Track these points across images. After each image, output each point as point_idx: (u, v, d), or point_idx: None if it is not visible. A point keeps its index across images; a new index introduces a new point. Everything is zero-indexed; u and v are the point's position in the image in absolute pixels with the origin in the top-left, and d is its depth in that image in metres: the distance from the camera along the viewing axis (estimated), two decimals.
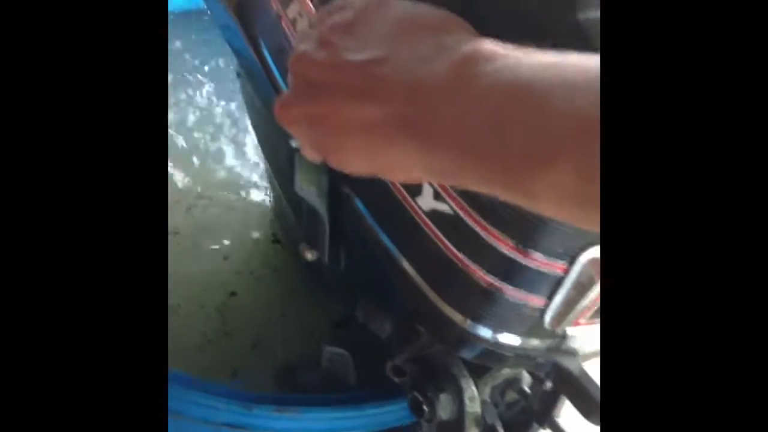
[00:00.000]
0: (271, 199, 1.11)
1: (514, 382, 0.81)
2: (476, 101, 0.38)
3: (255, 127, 0.90)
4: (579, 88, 0.35)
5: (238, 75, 0.91)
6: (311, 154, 0.47)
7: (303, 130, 0.46)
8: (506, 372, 0.75)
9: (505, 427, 0.76)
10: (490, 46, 0.39)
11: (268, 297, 1.03)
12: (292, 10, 0.65)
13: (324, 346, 0.86)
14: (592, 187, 0.35)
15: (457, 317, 0.60)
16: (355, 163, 0.45)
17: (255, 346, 0.99)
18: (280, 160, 0.73)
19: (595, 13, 0.45)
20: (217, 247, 1.10)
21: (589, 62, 0.35)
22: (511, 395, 0.84)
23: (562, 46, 0.41)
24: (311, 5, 0.63)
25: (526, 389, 0.80)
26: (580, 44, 0.43)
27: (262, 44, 0.73)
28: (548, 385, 0.69)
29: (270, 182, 1.01)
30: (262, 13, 0.72)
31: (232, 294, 1.04)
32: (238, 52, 0.76)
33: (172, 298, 1.00)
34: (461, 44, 0.40)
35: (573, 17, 0.44)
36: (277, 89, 0.71)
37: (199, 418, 0.75)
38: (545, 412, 0.74)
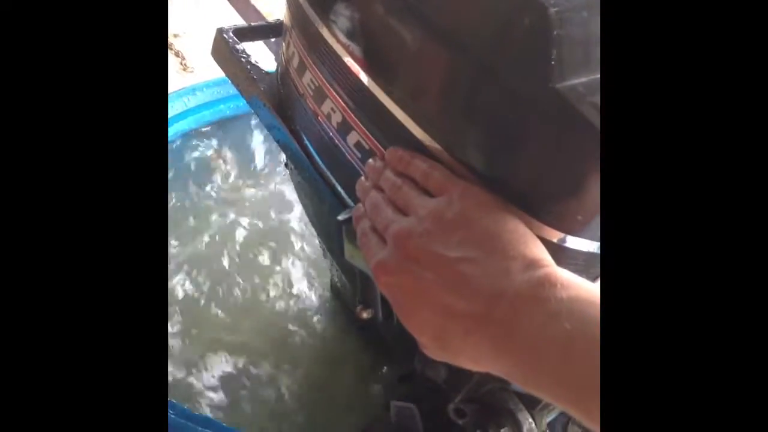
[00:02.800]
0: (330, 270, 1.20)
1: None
2: (550, 320, 0.46)
3: (305, 206, 1.00)
4: None
5: (286, 165, 1.02)
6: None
7: (392, 289, 0.55)
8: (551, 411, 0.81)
9: None
10: (566, 274, 0.47)
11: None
12: (326, 107, 0.76)
13: (391, 401, 0.93)
14: None
15: None
16: (428, 336, 0.53)
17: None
18: (330, 233, 0.83)
19: (572, 80, 0.53)
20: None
21: None
22: (574, 429, 0.89)
23: (543, 115, 0.50)
24: (342, 102, 0.73)
25: None
26: (562, 111, 0.52)
27: (304, 137, 0.84)
28: None
29: (324, 255, 1.10)
30: (300, 110, 0.83)
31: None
32: (284, 146, 0.87)
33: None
34: (542, 264, 0.49)
35: (552, 86, 0.52)
36: (321, 174, 0.81)
37: None
38: None
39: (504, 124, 0.57)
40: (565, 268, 0.58)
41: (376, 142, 0.69)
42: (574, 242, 0.57)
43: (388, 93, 0.66)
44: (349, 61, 0.71)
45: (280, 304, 1.17)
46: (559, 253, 0.57)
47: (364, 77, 0.69)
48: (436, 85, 0.63)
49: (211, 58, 0.99)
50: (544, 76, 0.53)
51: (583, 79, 0.53)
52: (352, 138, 0.73)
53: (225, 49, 0.96)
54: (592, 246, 0.58)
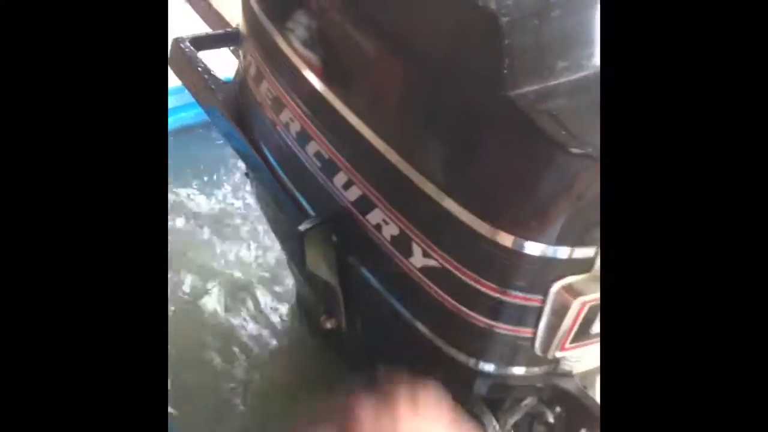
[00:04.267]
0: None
1: (538, 416, 0.87)
2: None
3: (266, 216, 1.00)
4: None
5: (247, 175, 1.01)
6: None
7: None
8: (525, 405, 0.82)
9: None
10: None
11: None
12: (284, 116, 0.76)
13: None
14: None
15: (463, 358, 0.68)
16: None
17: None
18: (292, 243, 0.83)
19: (524, 88, 0.54)
20: None
21: None
22: (539, 429, 0.90)
23: (497, 122, 0.51)
24: (300, 111, 0.73)
25: (551, 420, 0.87)
26: (514, 119, 0.53)
27: (263, 146, 0.84)
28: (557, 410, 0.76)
29: (288, 265, 1.10)
30: (258, 119, 0.83)
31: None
32: (243, 156, 0.87)
33: None
34: None
35: (504, 94, 0.53)
36: (281, 184, 0.81)
37: None
38: None
39: (459, 131, 0.58)
40: (522, 272, 0.59)
41: (335, 151, 0.70)
42: (530, 247, 0.58)
43: (346, 103, 0.67)
44: (306, 71, 0.71)
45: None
46: (516, 258, 0.58)
47: (321, 87, 0.70)
48: (393, 94, 0.64)
49: None
50: (497, 84, 0.54)
51: (535, 87, 0.54)
52: (312, 147, 0.73)
53: (182, 59, 0.95)
54: (548, 251, 0.59)
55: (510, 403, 0.78)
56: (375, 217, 0.67)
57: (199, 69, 0.94)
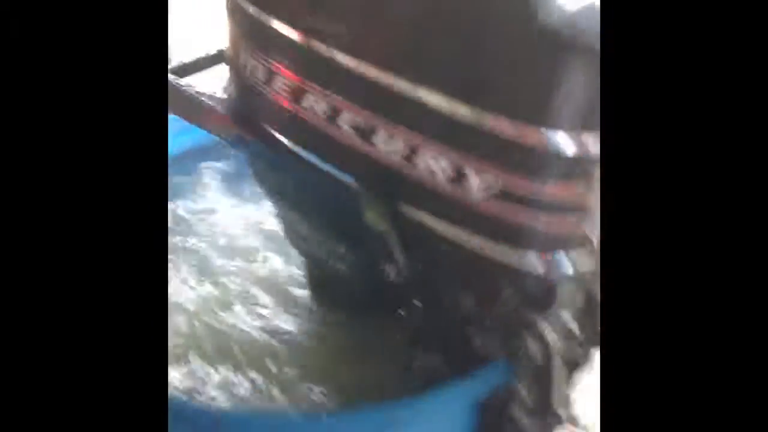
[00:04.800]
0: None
1: None
2: None
3: (285, 219, 1.07)
4: None
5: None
6: None
7: None
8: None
9: None
10: None
11: None
12: (307, 102, 0.84)
13: None
14: None
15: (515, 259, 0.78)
16: None
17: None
18: (335, 213, 0.91)
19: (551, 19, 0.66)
20: None
21: None
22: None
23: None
24: (323, 90, 0.82)
25: None
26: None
27: (284, 138, 0.91)
28: None
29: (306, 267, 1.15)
30: (274, 116, 0.90)
31: None
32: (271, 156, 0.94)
33: None
34: None
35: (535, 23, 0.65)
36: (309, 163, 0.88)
37: None
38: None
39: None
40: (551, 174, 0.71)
41: (370, 113, 0.79)
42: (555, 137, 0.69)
43: (368, 62, 0.76)
44: (316, 45, 0.80)
45: None
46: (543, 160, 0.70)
47: (338, 56, 0.78)
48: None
49: None
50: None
51: None
52: (344, 119, 0.81)
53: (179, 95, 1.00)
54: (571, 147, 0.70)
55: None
56: (424, 161, 0.77)
57: (192, 93, 1.00)
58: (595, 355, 1.03)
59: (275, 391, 1.00)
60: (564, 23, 0.66)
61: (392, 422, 0.87)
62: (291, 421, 0.95)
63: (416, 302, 0.93)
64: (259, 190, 1.14)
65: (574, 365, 0.94)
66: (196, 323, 1.09)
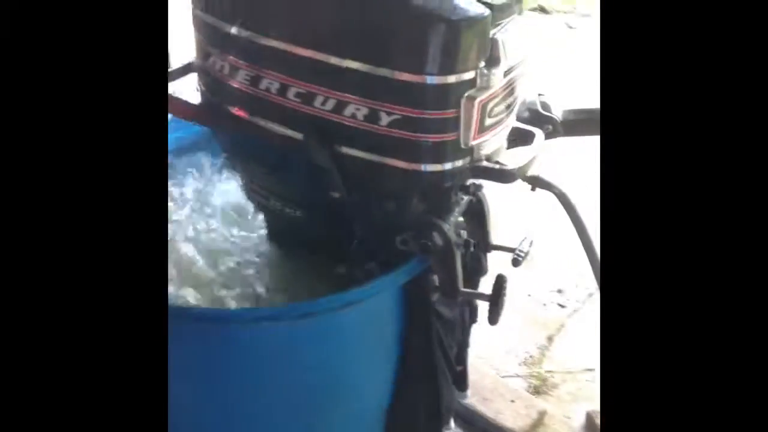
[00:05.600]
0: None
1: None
2: None
3: (247, 184, 1.43)
4: None
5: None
6: None
7: None
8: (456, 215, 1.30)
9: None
10: None
11: None
12: (263, 84, 1.21)
13: None
14: None
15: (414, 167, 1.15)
16: None
17: None
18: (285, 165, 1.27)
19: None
20: None
21: None
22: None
23: (402, 29, 1.02)
24: (273, 73, 1.19)
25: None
26: (423, 21, 1.04)
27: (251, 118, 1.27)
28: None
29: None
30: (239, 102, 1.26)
31: None
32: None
33: None
34: None
35: (405, 1, 1.04)
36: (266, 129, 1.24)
37: None
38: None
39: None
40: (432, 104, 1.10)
41: (313, 84, 1.15)
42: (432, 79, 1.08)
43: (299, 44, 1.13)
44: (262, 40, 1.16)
45: None
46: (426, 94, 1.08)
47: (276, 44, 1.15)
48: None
49: None
50: None
51: None
52: (291, 92, 1.17)
53: None
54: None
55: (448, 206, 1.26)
56: (349, 110, 1.14)
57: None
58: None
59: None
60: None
61: (345, 304, 1.23)
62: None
63: (355, 222, 1.29)
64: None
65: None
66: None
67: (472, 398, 2.11)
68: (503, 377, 2.28)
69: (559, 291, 2.65)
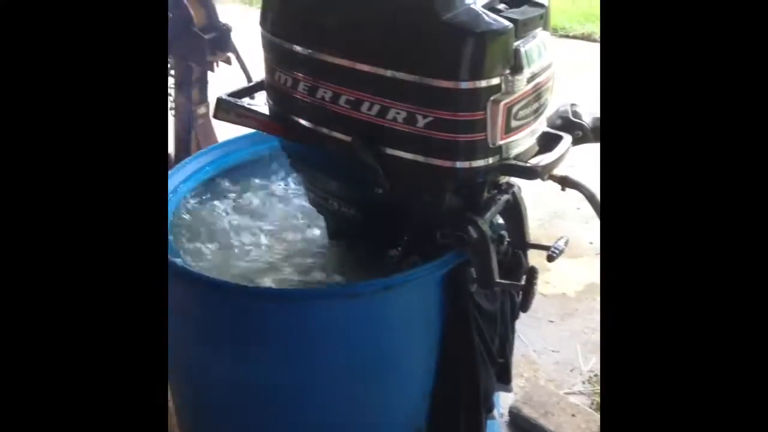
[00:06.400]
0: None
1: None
2: None
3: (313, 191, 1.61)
4: None
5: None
6: None
7: None
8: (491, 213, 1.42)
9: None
10: None
11: None
12: (319, 93, 1.38)
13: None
14: None
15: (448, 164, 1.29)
16: None
17: None
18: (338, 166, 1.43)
19: (453, 12, 1.20)
20: None
21: None
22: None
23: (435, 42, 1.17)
24: (325, 83, 1.36)
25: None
26: (454, 34, 1.19)
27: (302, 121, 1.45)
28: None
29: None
30: (300, 111, 1.44)
31: None
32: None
33: None
34: None
35: (438, 18, 1.19)
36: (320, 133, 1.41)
37: None
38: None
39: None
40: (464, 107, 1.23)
41: (360, 92, 1.31)
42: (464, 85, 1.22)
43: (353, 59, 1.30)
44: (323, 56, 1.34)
45: None
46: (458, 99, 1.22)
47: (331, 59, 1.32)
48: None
49: None
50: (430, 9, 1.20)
51: None
52: (343, 100, 1.34)
53: (233, 109, 1.55)
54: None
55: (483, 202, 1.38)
56: (391, 114, 1.29)
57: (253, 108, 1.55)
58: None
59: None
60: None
61: (385, 287, 1.37)
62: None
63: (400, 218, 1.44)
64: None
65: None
66: None
67: (535, 412, 2.20)
68: (566, 393, 2.33)
69: None
